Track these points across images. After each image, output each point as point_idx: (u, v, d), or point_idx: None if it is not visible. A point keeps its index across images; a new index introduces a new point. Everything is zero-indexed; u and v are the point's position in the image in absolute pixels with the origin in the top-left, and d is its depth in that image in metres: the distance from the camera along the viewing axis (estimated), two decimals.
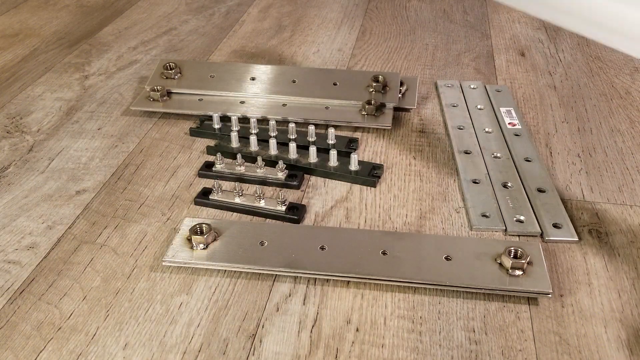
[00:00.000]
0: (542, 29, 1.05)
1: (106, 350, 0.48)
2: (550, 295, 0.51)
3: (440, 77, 0.89)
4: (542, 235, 0.58)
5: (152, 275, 0.55)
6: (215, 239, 0.56)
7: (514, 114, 0.77)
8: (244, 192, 0.63)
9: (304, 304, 0.51)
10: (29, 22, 1.11)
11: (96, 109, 0.82)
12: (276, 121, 0.74)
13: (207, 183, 0.66)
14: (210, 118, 0.76)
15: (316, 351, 0.47)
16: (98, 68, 0.94)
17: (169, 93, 0.82)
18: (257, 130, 0.73)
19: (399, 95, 0.80)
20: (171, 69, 0.84)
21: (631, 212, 0.61)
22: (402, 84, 0.82)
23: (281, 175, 0.66)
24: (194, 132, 0.75)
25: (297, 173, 0.66)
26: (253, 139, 0.70)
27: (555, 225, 0.59)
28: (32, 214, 0.63)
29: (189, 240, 0.56)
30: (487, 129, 0.74)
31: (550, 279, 0.52)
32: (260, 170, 0.66)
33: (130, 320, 0.50)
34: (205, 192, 0.63)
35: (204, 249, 0.55)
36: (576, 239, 0.57)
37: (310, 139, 0.71)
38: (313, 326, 0.49)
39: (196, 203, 0.63)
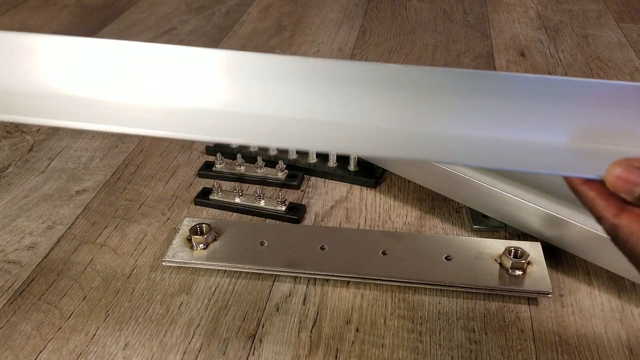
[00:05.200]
0: (542, 29, 1.06)
1: (106, 350, 0.48)
2: (550, 295, 0.51)
3: None
4: None
5: (152, 275, 0.55)
6: (215, 239, 0.56)
7: None
8: (244, 192, 0.63)
9: (304, 304, 0.52)
10: (29, 22, 1.11)
11: None
12: None
13: (207, 183, 0.66)
14: None
15: (316, 351, 0.47)
16: None
17: None
18: None
19: None
20: None
21: None
22: None
23: (281, 175, 0.66)
24: None
25: (297, 173, 0.66)
26: None
27: None
28: (32, 214, 0.63)
29: (189, 240, 0.56)
30: None
31: (550, 279, 0.52)
32: (260, 170, 0.66)
33: (130, 320, 0.50)
34: (205, 192, 0.64)
35: (204, 249, 0.55)
36: None
37: None
38: (313, 326, 0.49)
39: (196, 203, 0.63)
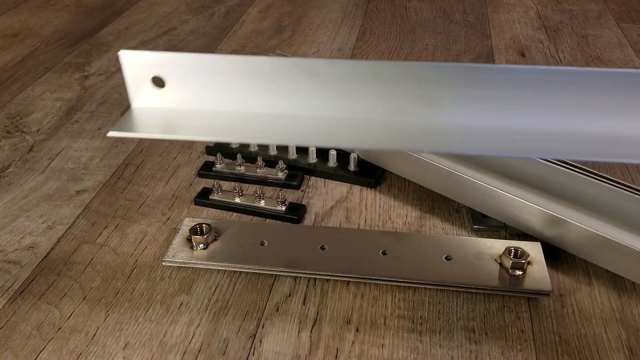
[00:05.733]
0: (542, 29, 1.06)
1: (106, 350, 0.48)
2: (550, 295, 0.51)
3: None
4: None
5: (152, 275, 0.55)
6: (215, 239, 0.56)
7: None
8: (244, 192, 0.63)
9: (304, 304, 0.51)
10: (29, 22, 1.11)
11: (96, 109, 0.82)
12: None
13: (207, 183, 0.66)
14: None
15: (316, 351, 0.47)
16: (98, 68, 0.94)
17: None
18: None
19: None
20: None
21: None
22: None
23: (281, 175, 0.66)
24: None
25: (297, 173, 0.66)
26: None
27: None
28: (32, 214, 0.63)
29: (189, 240, 0.56)
30: None
31: (550, 279, 0.52)
32: (260, 170, 0.66)
33: (130, 320, 0.50)
34: (205, 192, 0.64)
35: (204, 248, 0.55)
36: None
37: None
38: (313, 326, 0.49)
39: (196, 203, 0.63)
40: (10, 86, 0.89)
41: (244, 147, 0.71)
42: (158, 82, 0.43)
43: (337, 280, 0.53)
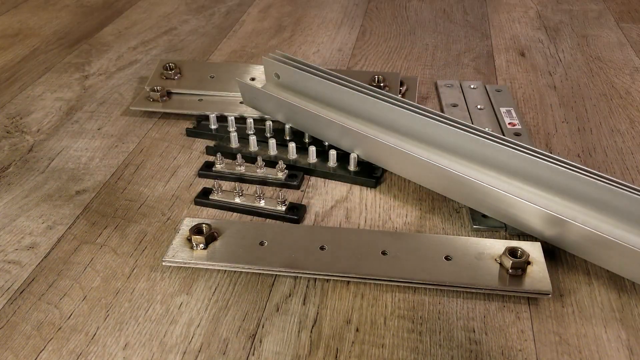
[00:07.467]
0: (542, 29, 1.06)
1: (106, 350, 0.48)
2: (550, 295, 0.51)
3: (440, 77, 0.89)
4: None
5: (152, 275, 0.55)
6: (215, 239, 0.56)
7: (514, 114, 0.77)
8: (244, 192, 0.63)
9: (304, 304, 0.51)
10: (29, 22, 1.11)
11: (96, 109, 0.82)
12: (272, 121, 0.74)
13: (207, 183, 0.66)
14: (207, 118, 0.76)
15: (316, 351, 0.47)
16: (98, 68, 0.94)
17: (169, 93, 0.82)
18: (254, 130, 0.73)
19: (399, 95, 0.80)
20: (171, 69, 0.84)
21: None
22: (402, 84, 0.82)
23: (281, 175, 0.66)
24: (190, 132, 0.75)
25: (297, 173, 0.66)
26: (252, 139, 0.70)
27: None
28: (32, 214, 0.63)
29: (189, 240, 0.56)
30: (487, 129, 0.74)
31: (550, 279, 0.52)
32: (260, 170, 0.66)
33: (130, 320, 0.50)
34: (205, 192, 0.64)
35: (204, 249, 0.55)
36: None
37: (307, 140, 0.71)
38: (313, 326, 0.49)
39: (196, 203, 0.63)
40: (10, 86, 0.89)
41: (244, 147, 0.71)
42: None
43: (337, 280, 0.53)
